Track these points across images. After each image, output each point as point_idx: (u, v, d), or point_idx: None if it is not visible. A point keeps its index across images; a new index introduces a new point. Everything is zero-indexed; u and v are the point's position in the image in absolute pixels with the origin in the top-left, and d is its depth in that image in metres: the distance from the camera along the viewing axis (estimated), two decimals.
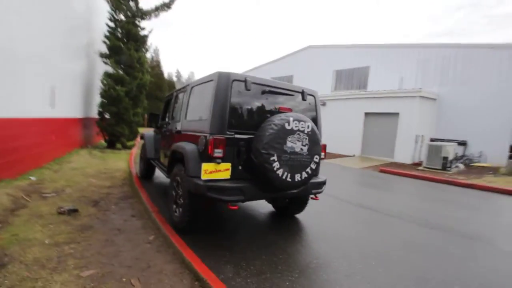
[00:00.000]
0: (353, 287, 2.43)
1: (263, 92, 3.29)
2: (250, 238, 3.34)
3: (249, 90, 3.15)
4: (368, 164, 11.52)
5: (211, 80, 3.21)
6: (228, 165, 2.96)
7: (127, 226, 3.36)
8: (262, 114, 3.24)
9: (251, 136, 3.06)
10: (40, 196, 4.05)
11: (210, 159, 2.88)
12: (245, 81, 3.13)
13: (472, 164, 12.05)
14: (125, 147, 10.12)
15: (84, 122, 9.33)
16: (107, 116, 9.73)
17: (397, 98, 13.06)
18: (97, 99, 9.74)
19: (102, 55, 9.68)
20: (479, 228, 4.28)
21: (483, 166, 11.65)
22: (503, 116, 12.20)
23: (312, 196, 3.64)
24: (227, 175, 2.96)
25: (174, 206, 3.46)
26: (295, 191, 3.27)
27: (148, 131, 6.19)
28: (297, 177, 3.04)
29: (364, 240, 3.52)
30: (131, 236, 3.08)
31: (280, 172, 2.91)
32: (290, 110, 3.36)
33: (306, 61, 21.26)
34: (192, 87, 3.86)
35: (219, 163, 2.89)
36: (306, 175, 3.12)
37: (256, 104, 3.25)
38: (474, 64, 13.16)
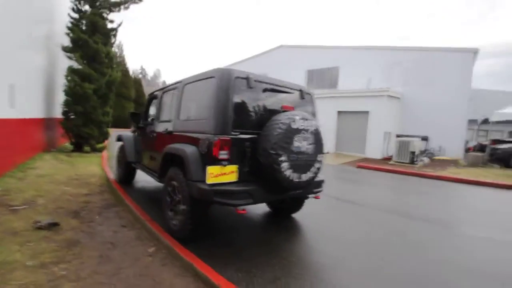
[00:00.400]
0: (377, 283, 2.44)
1: (264, 90, 3.19)
2: (252, 242, 3.22)
3: (251, 87, 3.02)
4: (344, 160, 11.95)
5: (211, 77, 3.02)
6: (234, 167, 2.80)
7: (119, 238, 3.03)
8: (265, 113, 3.13)
9: (255, 136, 2.94)
10: (9, 209, 3.50)
11: (215, 161, 2.71)
12: (247, 78, 3.00)
13: (434, 158, 13.11)
14: (94, 150, 9.29)
15: (47, 122, 8.35)
16: (72, 116, 8.84)
17: (367, 97, 13.73)
18: (60, 97, 8.80)
19: (65, 49, 8.76)
20: (475, 222, 4.61)
21: (444, 159, 12.73)
22: (459, 113, 13.47)
23: (314, 195, 3.62)
24: (233, 177, 2.81)
25: (171, 213, 3.21)
26: (300, 191, 3.22)
27: (125, 132, 5.74)
28: (304, 177, 3.00)
29: (365, 236, 3.60)
30: (127, 250, 2.78)
31: (288, 172, 2.83)
32: (292, 108, 3.29)
33: (278, 60, 21.45)
34: (185, 84, 3.61)
35: (225, 165, 2.72)
36: (311, 175, 3.10)
37: (258, 102, 3.13)
38: (433, 66, 14.30)
